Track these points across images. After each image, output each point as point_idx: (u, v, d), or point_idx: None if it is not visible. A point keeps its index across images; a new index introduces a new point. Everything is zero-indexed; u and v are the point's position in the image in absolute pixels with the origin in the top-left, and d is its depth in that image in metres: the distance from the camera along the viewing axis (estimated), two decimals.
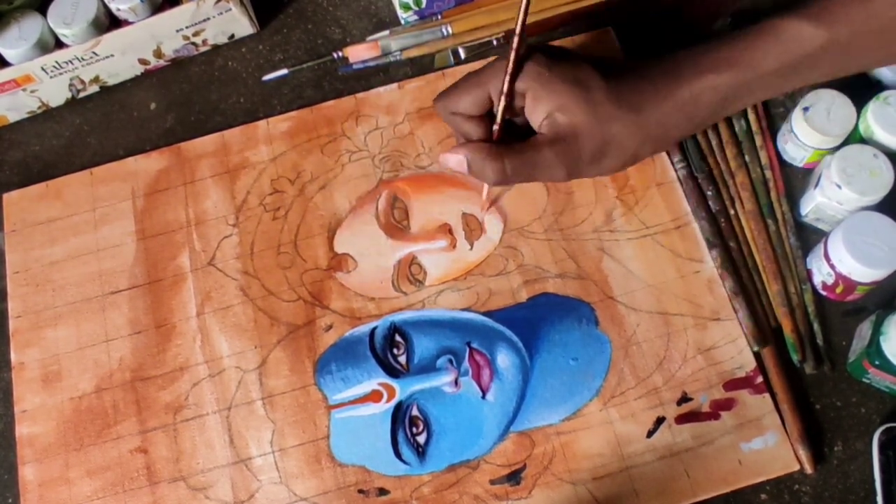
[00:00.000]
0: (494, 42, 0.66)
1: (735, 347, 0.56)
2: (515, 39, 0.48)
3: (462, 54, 0.67)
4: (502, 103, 0.50)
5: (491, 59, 0.52)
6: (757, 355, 0.55)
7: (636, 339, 0.56)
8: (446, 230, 0.60)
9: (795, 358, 0.55)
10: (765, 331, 0.56)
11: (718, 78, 0.48)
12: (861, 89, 0.59)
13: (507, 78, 0.49)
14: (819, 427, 0.54)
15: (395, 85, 0.65)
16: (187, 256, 0.61)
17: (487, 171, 0.50)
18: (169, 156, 0.64)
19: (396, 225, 0.61)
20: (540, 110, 0.49)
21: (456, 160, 0.51)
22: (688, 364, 0.55)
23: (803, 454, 0.52)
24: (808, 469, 0.53)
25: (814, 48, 0.47)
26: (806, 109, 0.57)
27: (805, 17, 0.48)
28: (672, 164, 0.61)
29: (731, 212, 0.60)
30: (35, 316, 0.60)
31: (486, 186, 0.59)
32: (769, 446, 0.53)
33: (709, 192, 0.60)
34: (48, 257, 0.61)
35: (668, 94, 0.49)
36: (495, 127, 0.51)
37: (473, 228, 0.60)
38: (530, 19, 0.66)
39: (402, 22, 0.68)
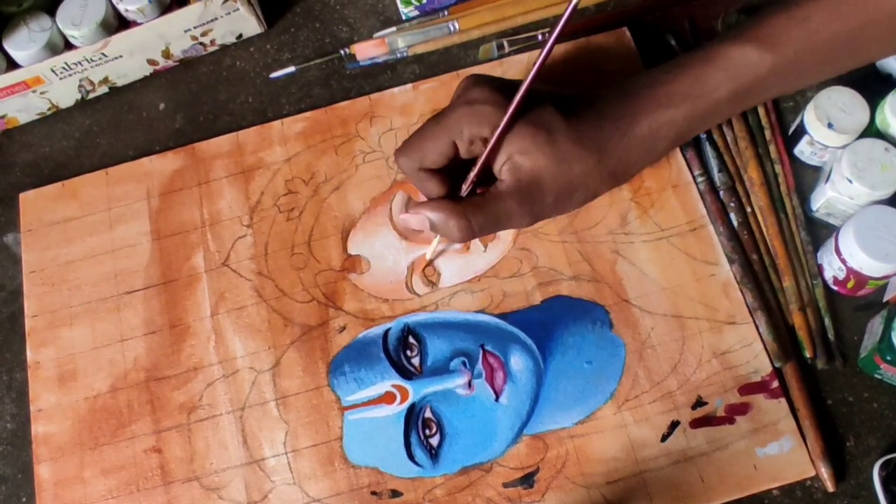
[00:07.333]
0: (539, 37, 0.66)
1: (751, 351, 0.55)
2: (523, 88, 0.45)
3: (506, 47, 0.66)
4: (480, 161, 0.48)
5: (460, 107, 0.48)
6: (779, 371, 0.55)
7: (651, 343, 0.56)
8: None
9: (806, 354, 0.55)
10: (787, 347, 0.55)
11: (675, 112, 0.49)
12: (872, 83, 0.59)
13: (499, 132, 0.46)
14: (831, 423, 0.54)
15: (409, 86, 0.65)
16: (202, 257, 0.61)
17: (452, 230, 0.48)
18: (184, 156, 0.64)
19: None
20: (501, 153, 0.48)
21: (418, 220, 0.49)
22: (703, 368, 0.55)
23: (825, 472, 0.52)
24: (830, 488, 0.52)
25: (763, 72, 0.48)
26: (830, 126, 0.56)
27: (750, 43, 0.48)
28: (693, 178, 0.60)
29: (749, 209, 0.59)
30: (51, 315, 0.60)
31: (436, 240, 0.57)
32: (785, 451, 0.52)
33: (731, 204, 0.59)
34: (64, 257, 0.62)
35: (627, 131, 0.49)
36: (465, 185, 0.49)
37: None
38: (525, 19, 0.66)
39: (403, 17, 0.68)
